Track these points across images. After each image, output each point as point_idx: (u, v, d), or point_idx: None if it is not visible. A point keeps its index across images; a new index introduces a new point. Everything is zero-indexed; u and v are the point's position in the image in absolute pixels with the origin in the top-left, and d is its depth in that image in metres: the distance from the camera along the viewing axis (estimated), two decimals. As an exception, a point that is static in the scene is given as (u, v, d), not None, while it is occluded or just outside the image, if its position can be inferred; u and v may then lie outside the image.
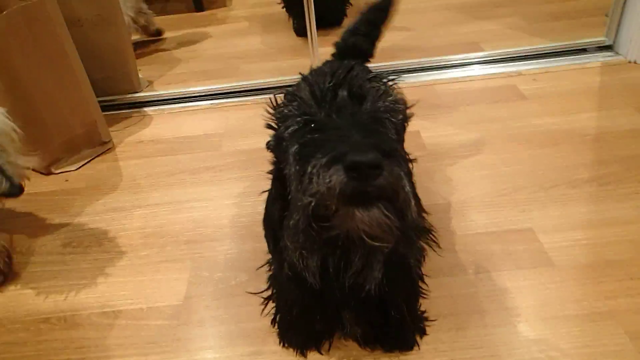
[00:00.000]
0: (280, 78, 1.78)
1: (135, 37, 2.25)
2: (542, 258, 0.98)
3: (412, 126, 1.43)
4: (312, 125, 0.59)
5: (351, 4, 2.28)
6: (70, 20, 1.54)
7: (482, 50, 1.83)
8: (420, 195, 1.07)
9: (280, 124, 0.66)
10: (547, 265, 0.96)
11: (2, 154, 0.96)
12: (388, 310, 0.79)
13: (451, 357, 0.83)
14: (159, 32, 2.29)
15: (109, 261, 1.11)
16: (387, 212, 0.53)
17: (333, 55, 1.05)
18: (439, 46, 1.92)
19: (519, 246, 1.02)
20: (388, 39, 2.10)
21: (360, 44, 1.03)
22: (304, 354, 0.86)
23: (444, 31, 2.05)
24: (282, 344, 0.88)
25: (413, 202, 0.55)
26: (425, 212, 1.03)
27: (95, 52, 1.65)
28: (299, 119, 0.61)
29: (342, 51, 1.04)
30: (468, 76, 1.70)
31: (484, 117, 1.46)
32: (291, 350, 0.86)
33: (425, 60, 1.78)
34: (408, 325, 0.81)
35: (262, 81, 1.77)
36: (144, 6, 2.17)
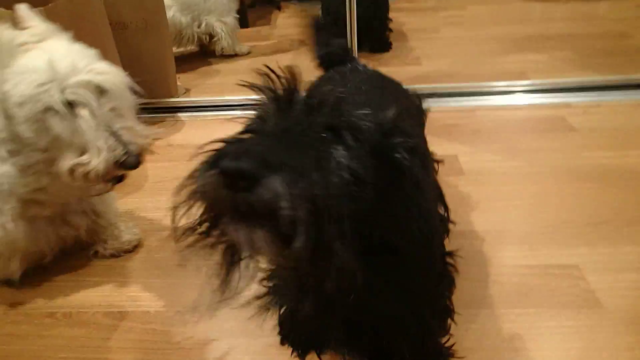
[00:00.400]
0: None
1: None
2: (589, 298, 0.88)
3: (449, 149, 1.38)
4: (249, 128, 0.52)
5: (392, 30, 2.26)
6: (116, 22, 1.57)
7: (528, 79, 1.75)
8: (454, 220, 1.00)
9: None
10: (595, 307, 0.86)
11: (119, 119, 0.85)
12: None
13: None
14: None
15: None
16: (261, 233, 0.44)
17: None
18: (483, 74, 1.85)
19: (562, 283, 0.91)
20: (432, 65, 2.06)
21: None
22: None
23: (490, 60, 1.99)
24: (283, 343, 0.83)
25: (304, 229, 0.43)
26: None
27: (135, 56, 1.66)
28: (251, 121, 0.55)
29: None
30: (512, 104, 1.62)
31: (528, 147, 1.37)
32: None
33: (467, 85, 1.71)
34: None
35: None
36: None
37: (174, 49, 2.03)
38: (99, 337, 0.91)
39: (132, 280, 1.02)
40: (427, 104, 1.05)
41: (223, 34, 2.16)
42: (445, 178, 1.26)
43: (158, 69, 1.74)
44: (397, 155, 0.53)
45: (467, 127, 1.51)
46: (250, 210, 0.43)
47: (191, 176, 0.46)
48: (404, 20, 2.55)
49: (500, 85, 1.70)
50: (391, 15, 2.21)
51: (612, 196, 1.13)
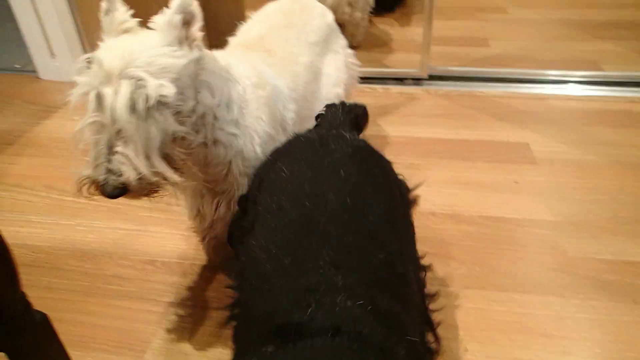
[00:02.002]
0: (381, 69, 1.76)
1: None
2: (665, 297, 0.92)
3: (519, 137, 1.40)
4: None
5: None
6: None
7: (601, 70, 1.73)
8: (523, 207, 1.02)
9: None
10: (672, 306, 0.90)
11: (124, 144, 0.69)
12: None
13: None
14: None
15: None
16: None
17: None
18: (554, 60, 1.83)
19: (639, 280, 0.95)
20: (501, 47, 2.04)
21: None
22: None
23: (561, 46, 1.96)
24: None
25: None
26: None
27: (210, 20, 1.69)
28: None
29: None
30: (586, 95, 1.61)
31: (602, 140, 1.38)
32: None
33: (540, 72, 1.70)
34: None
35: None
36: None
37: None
38: (197, 287, 0.99)
39: (222, 237, 1.10)
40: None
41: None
42: (516, 166, 1.29)
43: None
44: None
45: (539, 116, 1.51)
46: None
47: None
48: (470, -3, 2.50)
49: (575, 75, 1.69)
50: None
51: (690, 199, 1.15)
